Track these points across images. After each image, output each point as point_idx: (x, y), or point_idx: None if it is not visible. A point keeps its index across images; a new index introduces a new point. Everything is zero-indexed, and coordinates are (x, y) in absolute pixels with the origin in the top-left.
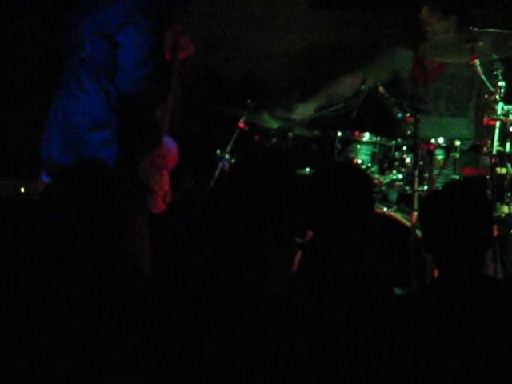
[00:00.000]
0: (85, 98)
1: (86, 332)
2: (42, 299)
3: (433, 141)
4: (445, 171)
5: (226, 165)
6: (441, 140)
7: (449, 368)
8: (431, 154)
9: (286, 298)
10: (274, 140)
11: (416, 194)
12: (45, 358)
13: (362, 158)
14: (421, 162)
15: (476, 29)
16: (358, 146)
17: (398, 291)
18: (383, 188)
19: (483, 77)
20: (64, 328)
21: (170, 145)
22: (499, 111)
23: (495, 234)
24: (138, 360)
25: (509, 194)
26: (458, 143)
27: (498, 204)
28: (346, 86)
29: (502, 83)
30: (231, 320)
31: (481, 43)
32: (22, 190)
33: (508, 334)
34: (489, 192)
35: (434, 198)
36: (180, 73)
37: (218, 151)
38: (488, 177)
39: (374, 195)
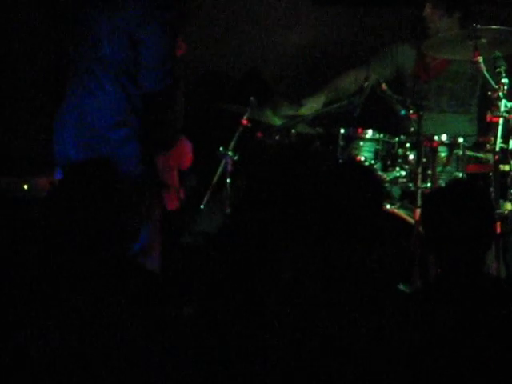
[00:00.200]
0: (104, 97)
1: (89, 331)
2: (43, 297)
3: (436, 138)
4: (448, 168)
5: (229, 162)
6: (444, 137)
7: (450, 366)
8: (434, 150)
9: (290, 295)
10: (277, 137)
11: (419, 191)
12: (46, 357)
13: (365, 154)
14: (424, 159)
15: (479, 26)
16: (361, 143)
17: (401, 288)
18: (386, 185)
19: (486, 74)
20: (66, 326)
21: (185, 143)
22: (502, 108)
23: (498, 231)
24: (141, 360)
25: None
26: (461, 140)
27: (501, 201)
28: (351, 80)
29: (505, 80)
30: (237, 318)
31: (484, 40)
32: (25, 186)
33: (509, 333)
34: (492, 189)
35: (437, 196)
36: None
37: (220, 148)
38: (491, 174)
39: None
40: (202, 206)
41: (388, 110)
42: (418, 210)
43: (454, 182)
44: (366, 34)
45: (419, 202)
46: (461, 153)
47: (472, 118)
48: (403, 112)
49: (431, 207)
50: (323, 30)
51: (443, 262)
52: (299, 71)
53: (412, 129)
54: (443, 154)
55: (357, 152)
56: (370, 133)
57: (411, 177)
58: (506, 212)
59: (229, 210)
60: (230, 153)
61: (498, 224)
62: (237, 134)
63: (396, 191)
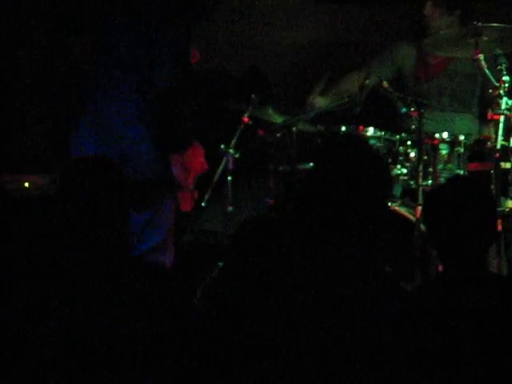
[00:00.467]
0: (120, 95)
1: (91, 329)
2: (44, 295)
3: (437, 135)
4: (449, 166)
5: (230, 160)
6: (445, 135)
7: (451, 363)
8: (435, 148)
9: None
10: (278, 135)
11: (420, 189)
12: (48, 356)
13: None
14: (425, 157)
15: (480, 23)
16: None
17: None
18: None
19: (487, 71)
20: (68, 325)
21: (198, 147)
22: (503, 106)
23: (499, 228)
24: (143, 359)
25: None
26: (462, 138)
27: (502, 199)
28: (352, 83)
29: (506, 78)
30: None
31: (485, 38)
32: (26, 184)
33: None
34: (493, 187)
35: (438, 193)
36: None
37: (222, 146)
38: (492, 171)
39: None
40: (203, 204)
41: (389, 107)
42: (419, 208)
43: (454, 179)
44: (367, 32)
45: (420, 200)
46: (462, 150)
47: (473, 117)
48: (404, 109)
49: (432, 204)
50: (325, 29)
51: (445, 260)
52: (300, 70)
53: (413, 126)
54: (444, 152)
55: None
56: (371, 130)
57: (412, 174)
58: (507, 210)
59: (230, 208)
60: (231, 150)
61: (499, 221)
62: (238, 131)
63: (397, 189)
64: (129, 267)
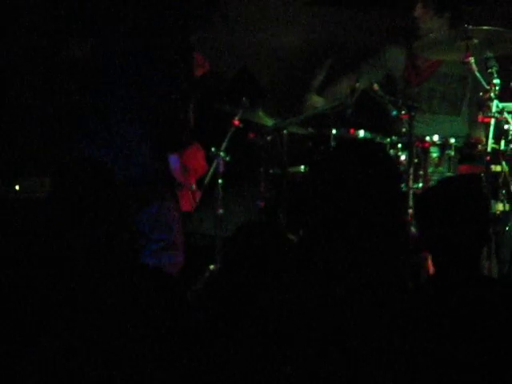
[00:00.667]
0: (120, 96)
1: (95, 331)
2: (44, 295)
3: (427, 138)
4: (440, 169)
5: (221, 162)
6: (435, 138)
7: (444, 365)
8: (426, 151)
9: (295, 292)
10: (268, 137)
11: (411, 192)
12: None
13: None
14: (415, 160)
15: (471, 26)
16: None
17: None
18: None
19: (478, 74)
20: (69, 324)
21: (197, 148)
22: (494, 109)
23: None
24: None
25: (503, 191)
26: (452, 141)
27: (493, 201)
28: (343, 87)
29: (496, 81)
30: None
31: (475, 40)
32: (17, 187)
33: (503, 332)
34: (483, 190)
35: (429, 195)
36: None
37: (212, 149)
38: (483, 174)
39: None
40: None
41: (380, 110)
42: (410, 211)
43: (445, 181)
44: (356, 35)
45: (411, 203)
46: (452, 153)
47: (463, 120)
48: (395, 112)
49: (423, 207)
50: (315, 31)
51: (437, 262)
52: (291, 72)
53: (404, 129)
54: (435, 155)
55: None
56: (361, 133)
57: (403, 177)
58: (498, 212)
59: (221, 211)
60: (221, 153)
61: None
62: (229, 134)
63: None
64: (127, 267)
